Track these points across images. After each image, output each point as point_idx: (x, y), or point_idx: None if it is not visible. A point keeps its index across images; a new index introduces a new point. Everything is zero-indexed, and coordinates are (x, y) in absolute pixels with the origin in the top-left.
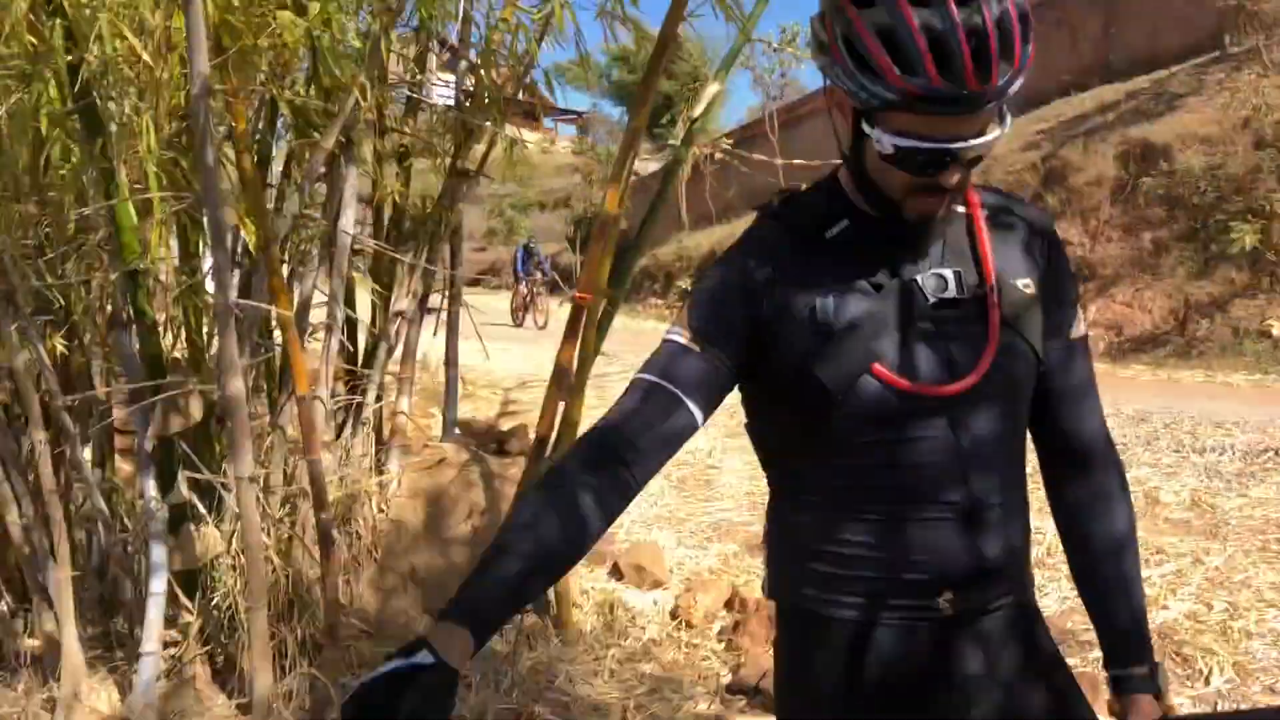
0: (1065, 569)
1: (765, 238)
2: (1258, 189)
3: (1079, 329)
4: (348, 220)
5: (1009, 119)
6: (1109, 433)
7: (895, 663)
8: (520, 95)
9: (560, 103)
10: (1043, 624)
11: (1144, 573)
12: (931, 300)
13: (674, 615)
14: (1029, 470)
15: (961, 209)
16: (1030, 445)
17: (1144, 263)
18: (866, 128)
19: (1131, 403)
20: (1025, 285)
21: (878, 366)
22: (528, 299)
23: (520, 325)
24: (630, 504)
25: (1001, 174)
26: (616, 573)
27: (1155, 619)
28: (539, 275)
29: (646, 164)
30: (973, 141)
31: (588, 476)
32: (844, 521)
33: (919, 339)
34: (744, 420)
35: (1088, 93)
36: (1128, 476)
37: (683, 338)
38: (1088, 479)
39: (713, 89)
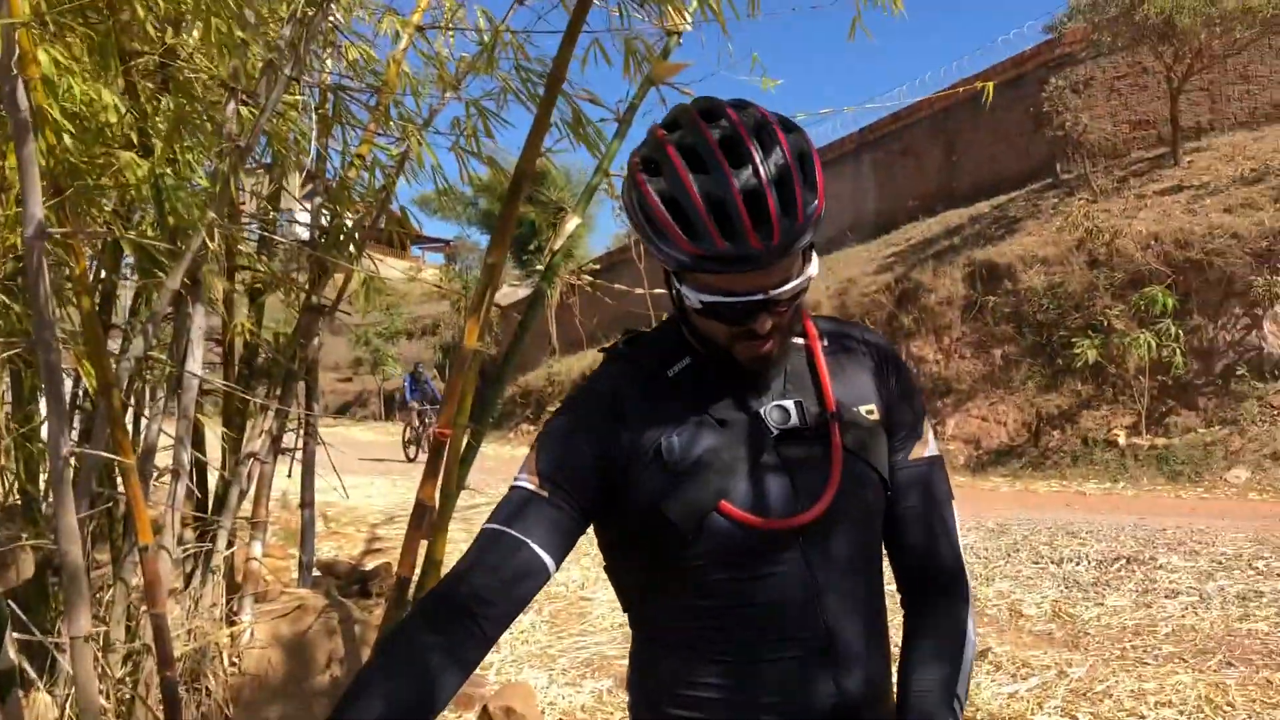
0: None
1: (610, 379)
2: (1095, 305)
3: (926, 449)
4: (195, 361)
5: (813, 262)
6: (957, 550)
7: None
8: (382, 224)
9: (427, 230)
10: None
11: (1012, 687)
12: (775, 432)
13: None
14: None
15: (800, 340)
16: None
17: (996, 378)
18: (677, 284)
19: (992, 515)
20: (868, 411)
21: (725, 504)
22: (420, 430)
23: (414, 460)
24: (484, 657)
25: (858, 296)
26: (486, 717)
27: None
28: (427, 407)
29: (516, 290)
30: (774, 292)
31: (433, 636)
32: (698, 664)
33: (765, 472)
34: (604, 563)
35: (935, 217)
36: (991, 589)
37: (530, 484)
38: (925, 593)
39: (573, 223)
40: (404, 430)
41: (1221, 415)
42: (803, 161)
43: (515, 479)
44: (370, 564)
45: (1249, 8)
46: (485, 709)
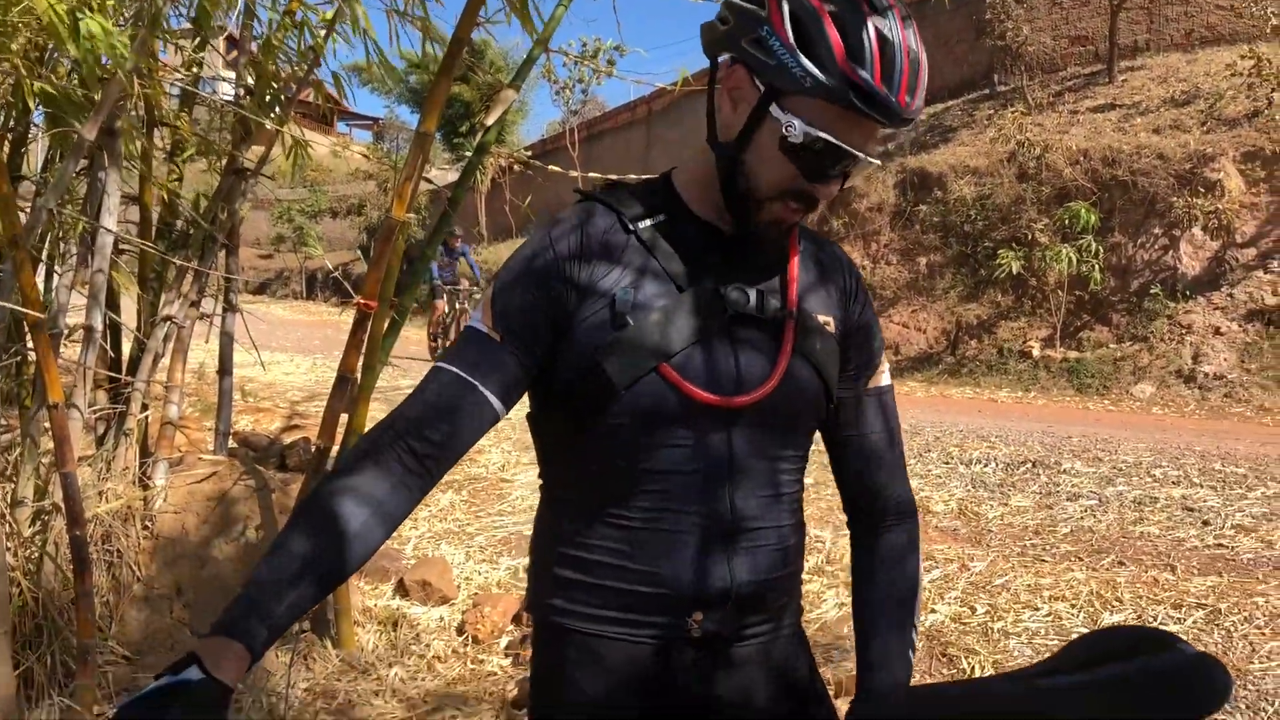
0: (843, 576)
1: (578, 221)
2: (1021, 219)
3: (883, 379)
4: (110, 217)
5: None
6: (906, 479)
7: (639, 684)
8: (311, 96)
9: (356, 107)
10: (806, 654)
11: None
12: (730, 313)
13: (460, 631)
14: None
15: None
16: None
17: (920, 285)
18: (777, 111)
19: (907, 417)
20: (825, 322)
21: (666, 367)
22: (449, 319)
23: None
24: (425, 493)
25: None
26: (402, 590)
27: (925, 621)
28: (466, 285)
29: (445, 174)
30: (871, 158)
31: (377, 471)
32: (598, 526)
33: (712, 348)
34: (529, 412)
35: None
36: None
37: (484, 326)
38: (874, 523)
39: (508, 95)
40: (429, 316)
41: (1133, 332)
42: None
43: (470, 320)
44: (289, 439)
45: None
46: (401, 582)
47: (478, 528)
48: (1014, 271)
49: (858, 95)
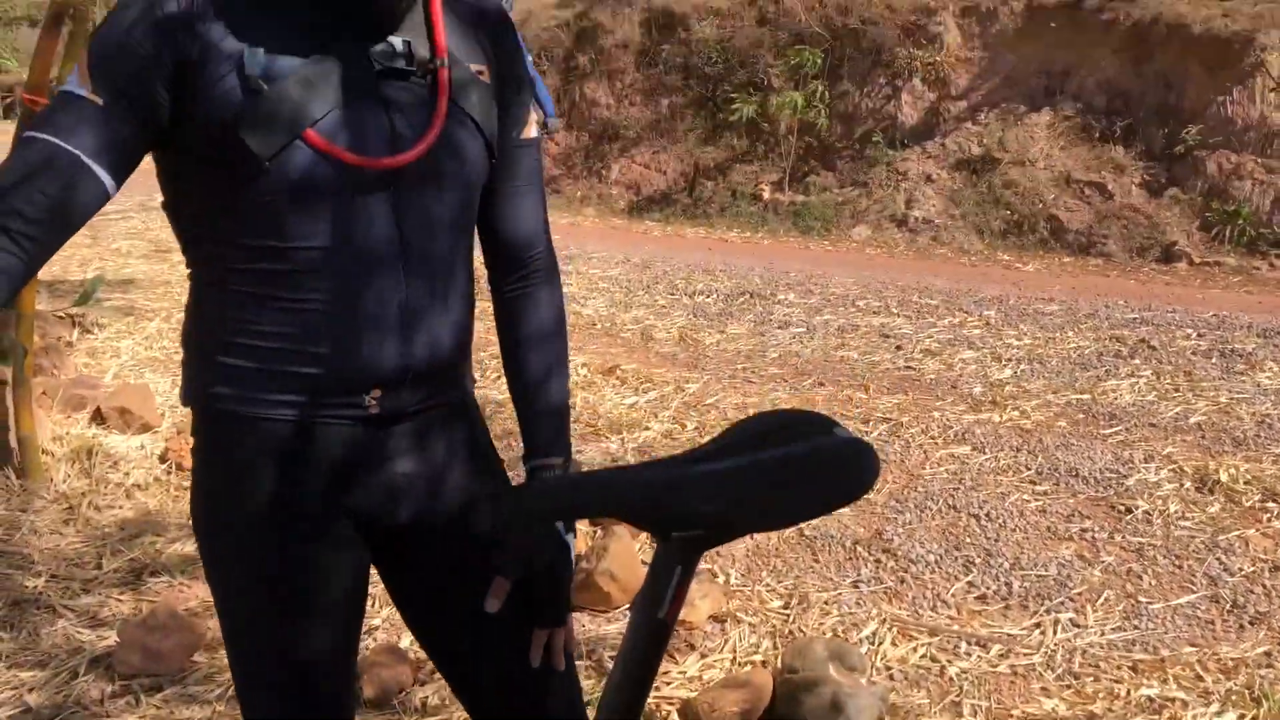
0: None
1: None
2: (759, 63)
3: (533, 130)
4: None
5: None
6: (549, 232)
7: (319, 463)
8: None
9: None
10: (478, 422)
11: (632, 399)
12: (378, 67)
13: (164, 459)
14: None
15: None
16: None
17: (661, 127)
18: None
19: (640, 253)
20: (479, 71)
21: (311, 132)
22: None
23: None
24: (23, 279)
25: (536, 29)
26: (99, 418)
27: (637, 438)
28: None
29: None
30: None
31: None
32: (262, 310)
33: (361, 108)
34: (161, 199)
35: None
36: (628, 315)
37: (83, 90)
38: (521, 276)
39: None
40: None
41: (854, 178)
42: None
43: (64, 84)
44: None
45: None
46: (99, 410)
47: None
48: (749, 116)
49: None
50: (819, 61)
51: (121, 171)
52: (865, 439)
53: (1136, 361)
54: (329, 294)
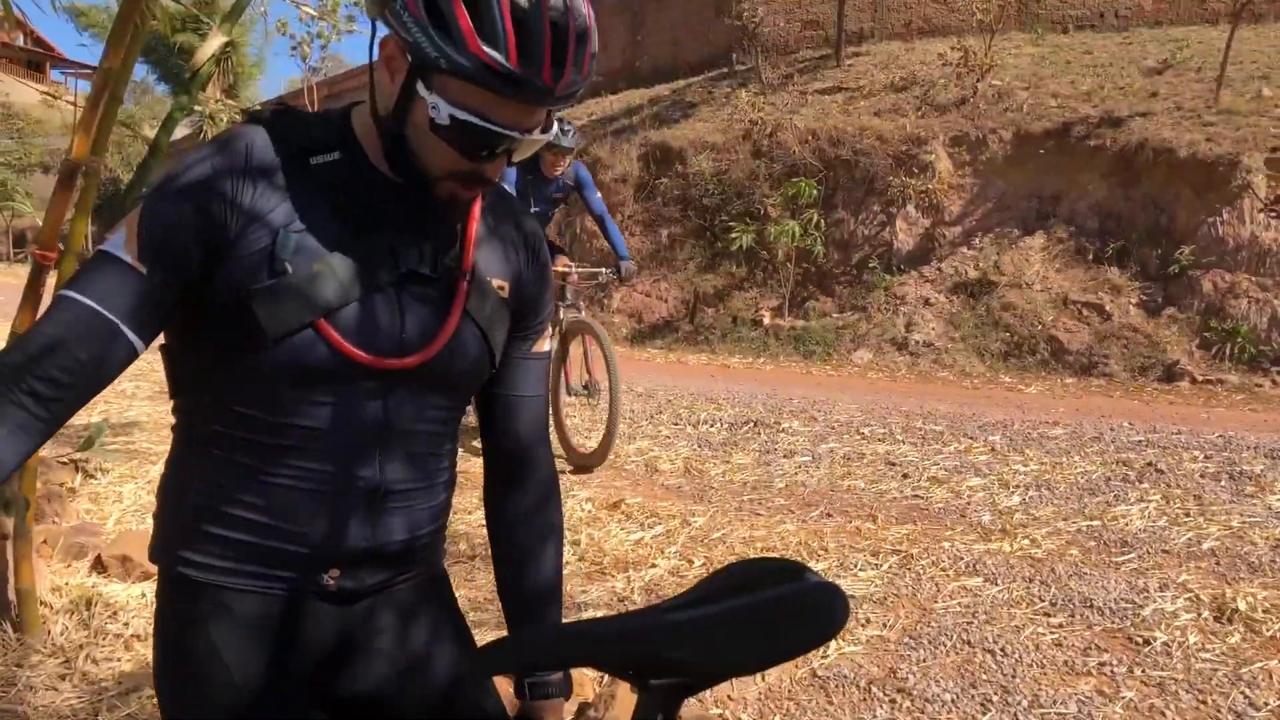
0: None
1: (243, 143)
2: (755, 194)
3: (545, 344)
4: None
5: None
6: (548, 441)
7: (275, 635)
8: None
9: (77, 55)
10: (446, 596)
11: (638, 534)
12: (402, 269)
13: None
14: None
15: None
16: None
17: (661, 256)
18: (424, 91)
19: (643, 382)
20: (500, 286)
21: (323, 323)
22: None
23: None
24: (46, 437)
25: None
26: (100, 566)
27: (644, 576)
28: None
29: (184, 131)
30: (532, 135)
31: None
32: (239, 478)
33: (376, 304)
34: (162, 341)
35: (617, 95)
36: (632, 447)
37: (128, 256)
38: (518, 483)
39: (216, 41)
40: None
41: (853, 302)
42: (593, 28)
43: (107, 244)
44: None
45: None
46: (99, 558)
47: None
48: (747, 244)
49: (494, 77)
50: (814, 191)
51: (152, 333)
52: (834, 582)
53: (1145, 486)
54: (302, 472)
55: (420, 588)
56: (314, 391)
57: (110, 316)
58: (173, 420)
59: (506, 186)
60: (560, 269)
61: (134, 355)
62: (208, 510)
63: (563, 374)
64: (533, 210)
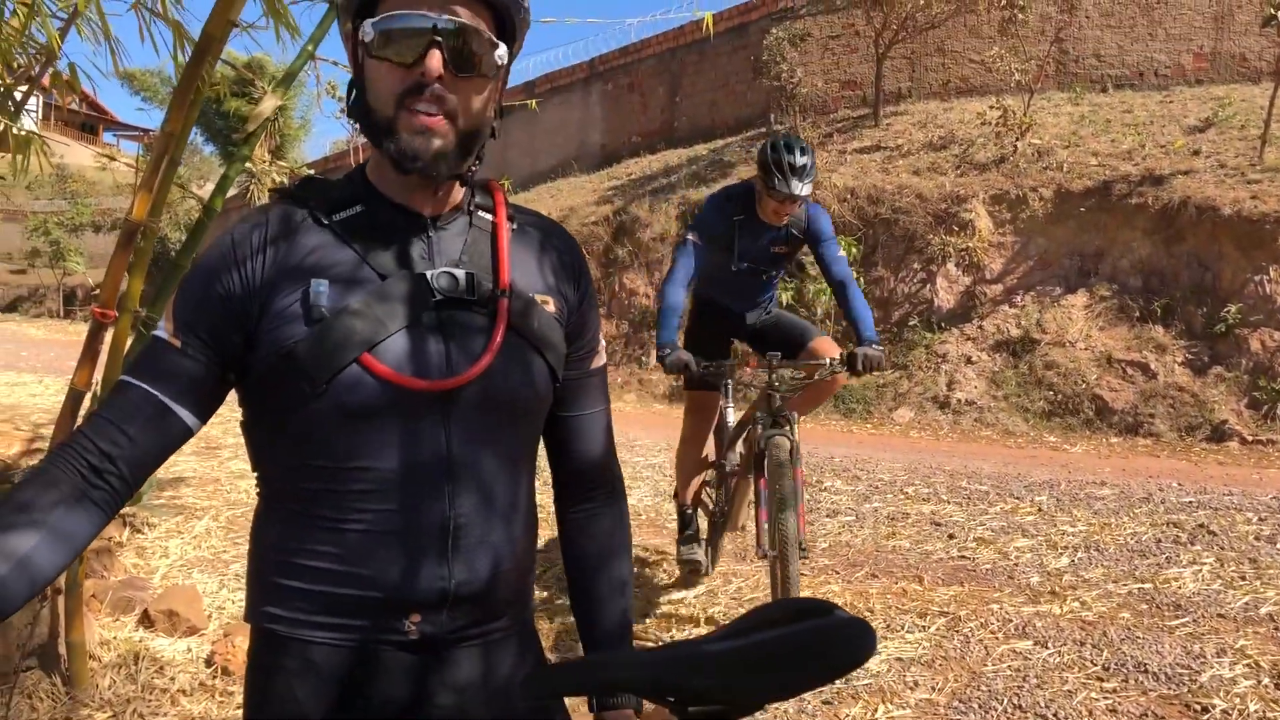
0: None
1: (264, 219)
2: None
3: (600, 359)
4: None
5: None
6: (615, 457)
7: (355, 689)
8: (76, 104)
9: (129, 118)
10: (533, 652)
11: (681, 594)
12: (438, 297)
13: (209, 663)
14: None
15: (488, 216)
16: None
17: None
18: (362, 32)
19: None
20: (544, 301)
21: (367, 356)
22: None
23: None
24: (114, 511)
25: (577, 224)
26: (146, 620)
27: (686, 636)
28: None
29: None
30: (445, 17)
31: (54, 493)
32: (310, 529)
33: (419, 333)
34: (240, 419)
35: (655, 155)
36: (672, 506)
37: (165, 332)
38: (587, 499)
39: (269, 103)
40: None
41: (895, 361)
42: None
43: (157, 327)
44: (28, 464)
45: None
46: (146, 612)
47: (235, 555)
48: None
49: None
50: (854, 250)
51: (205, 409)
52: (859, 618)
53: (1197, 548)
54: (373, 515)
55: (506, 643)
56: (373, 429)
57: (161, 397)
58: (253, 486)
59: (694, 237)
60: (783, 366)
61: (188, 432)
62: (288, 565)
63: (748, 513)
64: (737, 268)
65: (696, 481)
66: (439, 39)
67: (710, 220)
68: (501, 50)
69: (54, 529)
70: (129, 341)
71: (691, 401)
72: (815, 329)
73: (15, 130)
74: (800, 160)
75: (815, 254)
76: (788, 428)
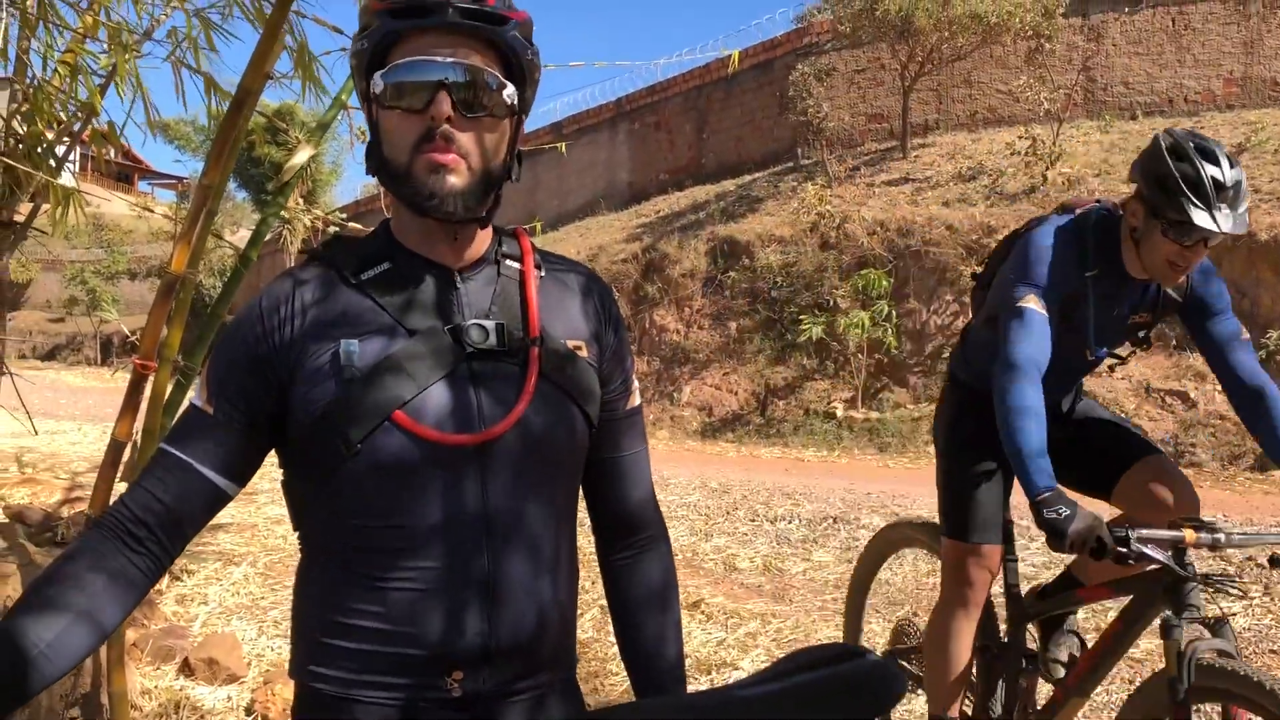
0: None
1: (293, 282)
2: (823, 285)
3: (635, 399)
4: None
5: (511, 91)
6: (655, 498)
7: None
8: (112, 154)
9: (164, 166)
10: (577, 708)
11: (720, 635)
12: (470, 349)
13: (249, 711)
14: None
15: (515, 264)
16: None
17: (730, 349)
18: (372, 84)
19: (717, 476)
20: (577, 346)
21: (400, 413)
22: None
23: None
24: (156, 578)
25: (607, 263)
26: (186, 669)
27: (728, 678)
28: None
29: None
30: (450, 59)
31: (99, 562)
32: (350, 588)
33: (451, 387)
34: (281, 479)
35: (683, 191)
36: (709, 545)
37: (200, 400)
38: (629, 544)
39: (304, 154)
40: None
41: (929, 393)
42: None
43: (193, 395)
44: (69, 512)
45: (976, 14)
46: (186, 661)
47: (273, 601)
48: (817, 336)
49: (394, 18)
50: (885, 282)
51: (241, 475)
52: (889, 661)
53: (1245, 580)
54: (414, 572)
55: (549, 699)
56: (410, 486)
57: (195, 464)
58: (289, 531)
59: (1034, 301)
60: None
61: (223, 497)
62: (332, 624)
63: None
64: (1094, 356)
65: (959, 681)
66: (445, 82)
67: (1052, 275)
68: (510, 90)
69: (92, 605)
70: (168, 390)
71: (972, 556)
72: (1145, 440)
73: (57, 184)
74: (1231, 176)
75: (1198, 332)
76: (1227, 629)
